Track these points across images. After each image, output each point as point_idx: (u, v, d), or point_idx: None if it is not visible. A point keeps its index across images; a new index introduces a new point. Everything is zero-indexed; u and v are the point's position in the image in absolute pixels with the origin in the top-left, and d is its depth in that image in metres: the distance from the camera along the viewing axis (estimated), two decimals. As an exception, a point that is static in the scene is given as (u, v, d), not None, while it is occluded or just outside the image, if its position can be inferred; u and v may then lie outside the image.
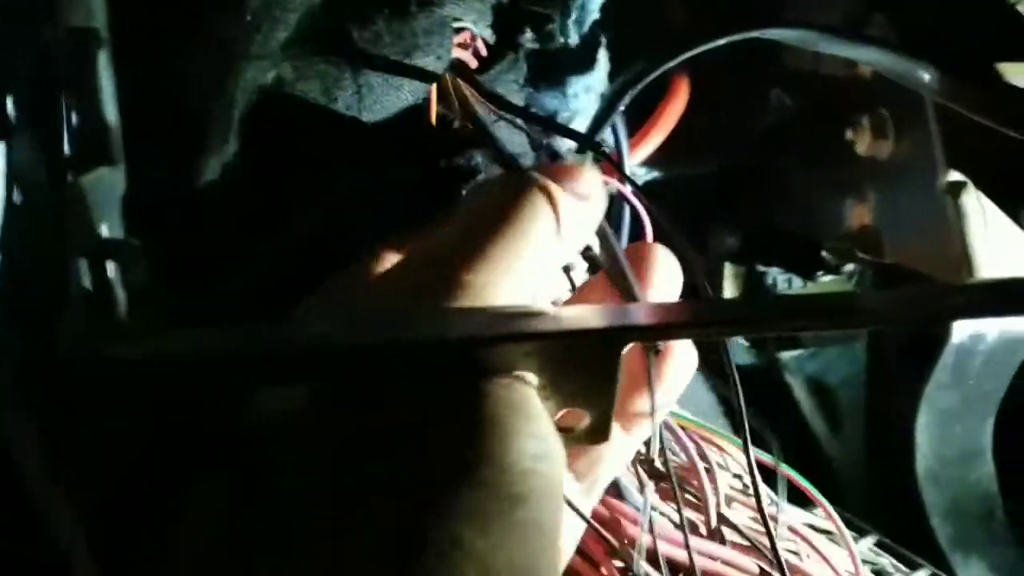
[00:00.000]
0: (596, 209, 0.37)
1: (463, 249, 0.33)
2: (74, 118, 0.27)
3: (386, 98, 0.42)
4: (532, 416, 0.30)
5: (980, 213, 0.56)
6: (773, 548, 0.40)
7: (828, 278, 0.77)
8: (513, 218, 0.34)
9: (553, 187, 0.35)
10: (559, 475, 0.31)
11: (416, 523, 0.27)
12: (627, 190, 0.48)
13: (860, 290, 0.70)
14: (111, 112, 0.28)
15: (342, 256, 0.44)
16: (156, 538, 0.30)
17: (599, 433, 0.33)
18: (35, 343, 0.25)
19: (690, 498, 0.47)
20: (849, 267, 0.76)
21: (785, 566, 0.41)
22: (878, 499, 0.72)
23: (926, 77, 0.51)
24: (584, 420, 0.33)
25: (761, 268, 0.79)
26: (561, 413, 0.32)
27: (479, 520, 0.27)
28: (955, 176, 0.57)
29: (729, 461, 0.50)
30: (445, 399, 0.29)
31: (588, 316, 0.32)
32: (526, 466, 0.28)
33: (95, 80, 0.27)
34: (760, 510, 0.39)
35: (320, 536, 0.28)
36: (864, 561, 0.52)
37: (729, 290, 0.82)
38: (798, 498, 0.53)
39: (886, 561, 0.57)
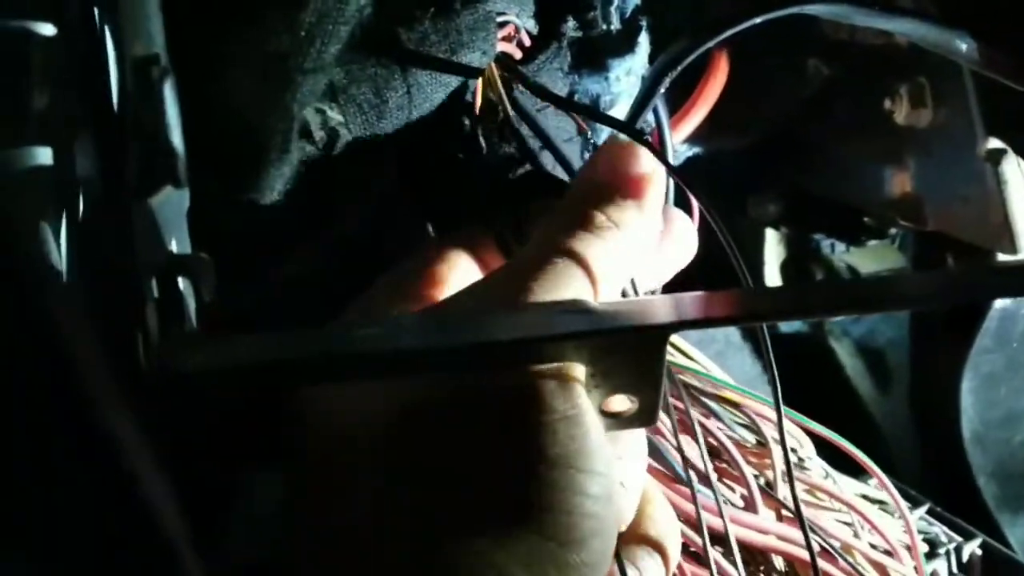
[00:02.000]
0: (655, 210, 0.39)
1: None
2: (142, 143, 0.29)
3: (435, 96, 0.44)
4: (595, 453, 0.31)
5: (1021, 179, 0.56)
6: (801, 522, 0.41)
7: (873, 242, 0.77)
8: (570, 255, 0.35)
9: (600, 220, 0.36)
10: (614, 514, 0.33)
11: (468, 556, 0.29)
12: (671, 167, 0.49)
13: (898, 273, 0.70)
14: (176, 136, 0.29)
15: (389, 250, 0.45)
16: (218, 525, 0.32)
17: (647, 417, 0.35)
18: (117, 358, 0.26)
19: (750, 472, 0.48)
20: (892, 231, 0.77)
21: (828, 535, 0.42)
22: (926, 461, 0.73)
23: (963, 47, 0.51)
24: (632, 405, 0.34)
25: (804, 233, 0.80)
26: (610, 399, 0.34)
27: (535, 565, 0.30)
28: (995, 143, 0.57)
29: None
30: (511, 429, 0.31)
31: (634, 310, 0.33)
32: (586, 510, 0.30)
33: (160, 106, 0.29)
34: (791, 484, 0.40)
35: (366, 538, 0.31)
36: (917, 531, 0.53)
37: (773, 255, 0.82)
38: (852, 467, 0.54)
39: (938, 530, 0.58)
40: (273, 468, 0.34)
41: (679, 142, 0.61)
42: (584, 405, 0.32)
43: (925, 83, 0.60)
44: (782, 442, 0.39)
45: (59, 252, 0.29)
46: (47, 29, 0.30)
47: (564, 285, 0.34)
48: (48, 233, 0.29)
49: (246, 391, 0.30)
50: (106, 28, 0.28)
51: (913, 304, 0.41)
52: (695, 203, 0.49)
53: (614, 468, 0.33)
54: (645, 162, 0.38)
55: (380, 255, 0.46)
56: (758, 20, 0.49)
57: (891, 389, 0.78)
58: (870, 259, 0.79)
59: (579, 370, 0.32)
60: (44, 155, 0.29)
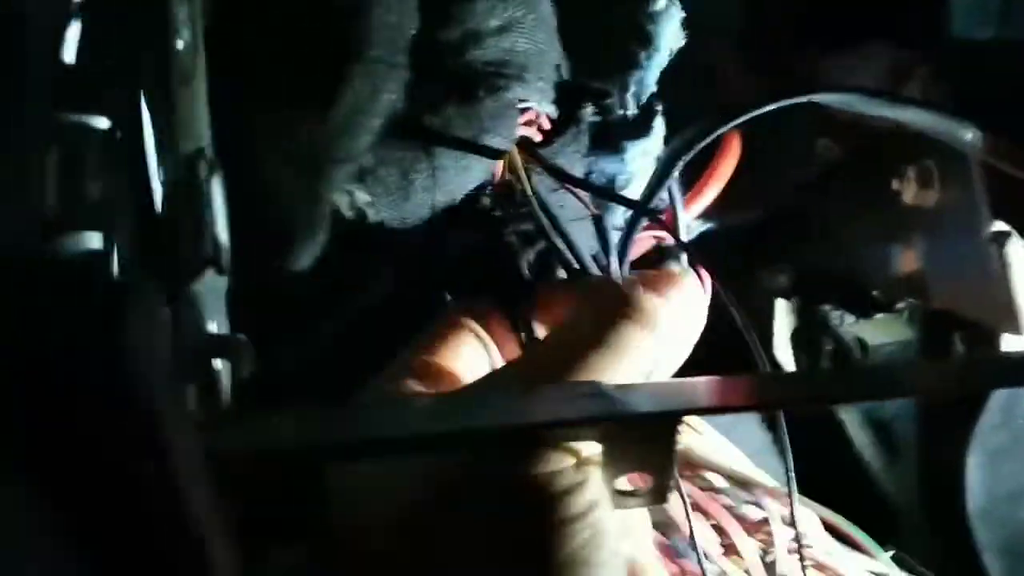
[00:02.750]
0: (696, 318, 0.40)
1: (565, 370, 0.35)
2: (189, 232, 0.31)
3: (458, 178, 0.45)
4: (606, 548, 0.33)
5: (1026, 262, 0.57)
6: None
7: (880, 315, 0.79)
8: (612, 342, 0.36)
9: (647, 308, 0.38)
10: None
11: None
12: (684, 245, 0.50)
13: (908, 362, 0.71)
14: (221, 227, 0.31)
15: (403, 330, 0.47)
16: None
17: (658, 495, 0.36)
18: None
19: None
20: (901, 304, 0.78)
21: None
22: (934, 535, 0.73)
23: (968, 136, 0.53)
24: (644, 484, 0.36)
25: (814, 305, 0.81)
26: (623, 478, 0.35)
27: None
28: (1001, 226, 0.58)
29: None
30: (532, 521, 0.32)
31: (649, 394, 0.34)
32: None
33: (207, 198, 0.31)
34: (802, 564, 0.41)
35: None
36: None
37: (783, 325, 0.84)
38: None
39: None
40: (290, 540, 0.35)
41: (692, 218, 0.63)
42: (599, 498, 0.33)
43: (932, 166, 0.61)
44: (793, 525, 0.40)
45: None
46: (103, 123, 0.32)
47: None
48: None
49: (275, 470, 0.31)
50: (158, 126, 0.30)
51: (923, 393, 0.42)
52: (707, 278, 0.51)
53: (622, 559, 0.34)
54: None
55: (404, 325, 0.48)
56: (771, 107, 0.51)
57: (899, 461, 0.78)
58: (879, 331, 0.79)
59: (594, 452, 0.34)
60: (96, 241, 0.31)
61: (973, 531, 0.67)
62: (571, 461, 0.33)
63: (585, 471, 0.33)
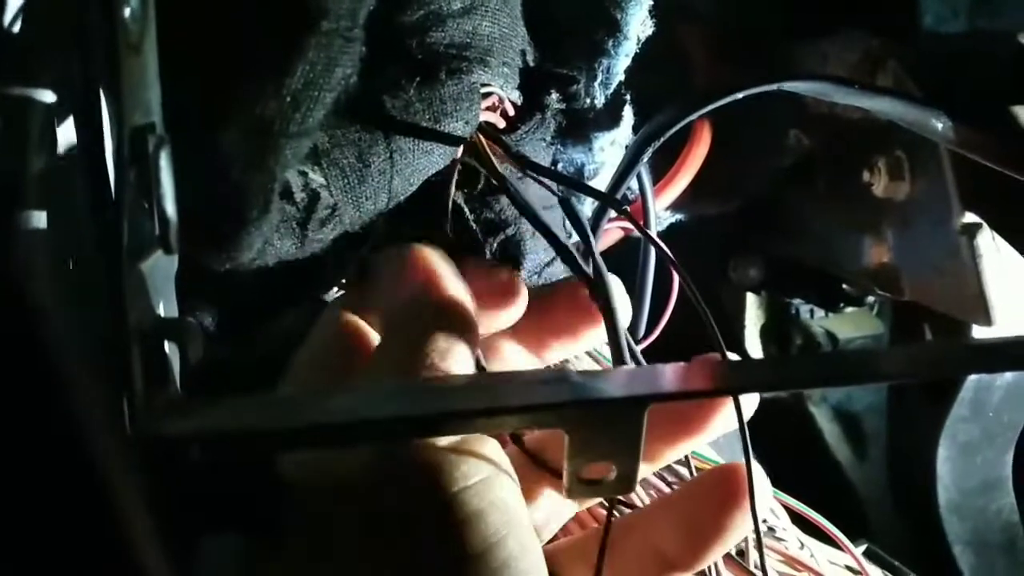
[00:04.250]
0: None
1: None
2: (135, 210, 0.29)
3: (417, 162, 0.44)
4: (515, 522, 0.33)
5: (995, 253, 0.57)
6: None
7: (850, 309, 0.78)
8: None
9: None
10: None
11: None
12: (651, 238, 0.50)
13: (876, 347, 0.71)
14: (169, 204, 0.30)
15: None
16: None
17: (625, 485, 0.35)
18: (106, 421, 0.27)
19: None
20: (871, 298, 0.78)
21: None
22: (902, 527, 0.73)
23: (939, 126, 0.52)
24: (610, 473, 0.35)
25: (784, 299, 0.81)
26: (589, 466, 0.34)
27: None
28: (971, 217, 0.58)
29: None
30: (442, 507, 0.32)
31: (615, 381, 0.34)
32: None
33: (155, 174, 0.30)
34: (760, 550, 0.40)
35: None
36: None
37: (753, 319, 0.84)
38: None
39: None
40: (233, 529, 0.34)
41: (662, 209, 0.62)
42: (490, 474, 0.34)
43: (903, 157, 0.61)
44: (753, 510, 0.39)
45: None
46: (47, 96, 0.31)
47: None
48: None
49: (225, 456, 0.30)
50: (105, 97, 0.29)
51: (889, 378, 0.42)
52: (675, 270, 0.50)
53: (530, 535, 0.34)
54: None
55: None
56: (740, 95, 0.51)
57: (868, 455, 0.78)
58: (848, 325, 0.80)
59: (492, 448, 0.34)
60: (39, 219, 0.30)
61: (943, 524, 0.67)
62: (455, 437, 0.34)
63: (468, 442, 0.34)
